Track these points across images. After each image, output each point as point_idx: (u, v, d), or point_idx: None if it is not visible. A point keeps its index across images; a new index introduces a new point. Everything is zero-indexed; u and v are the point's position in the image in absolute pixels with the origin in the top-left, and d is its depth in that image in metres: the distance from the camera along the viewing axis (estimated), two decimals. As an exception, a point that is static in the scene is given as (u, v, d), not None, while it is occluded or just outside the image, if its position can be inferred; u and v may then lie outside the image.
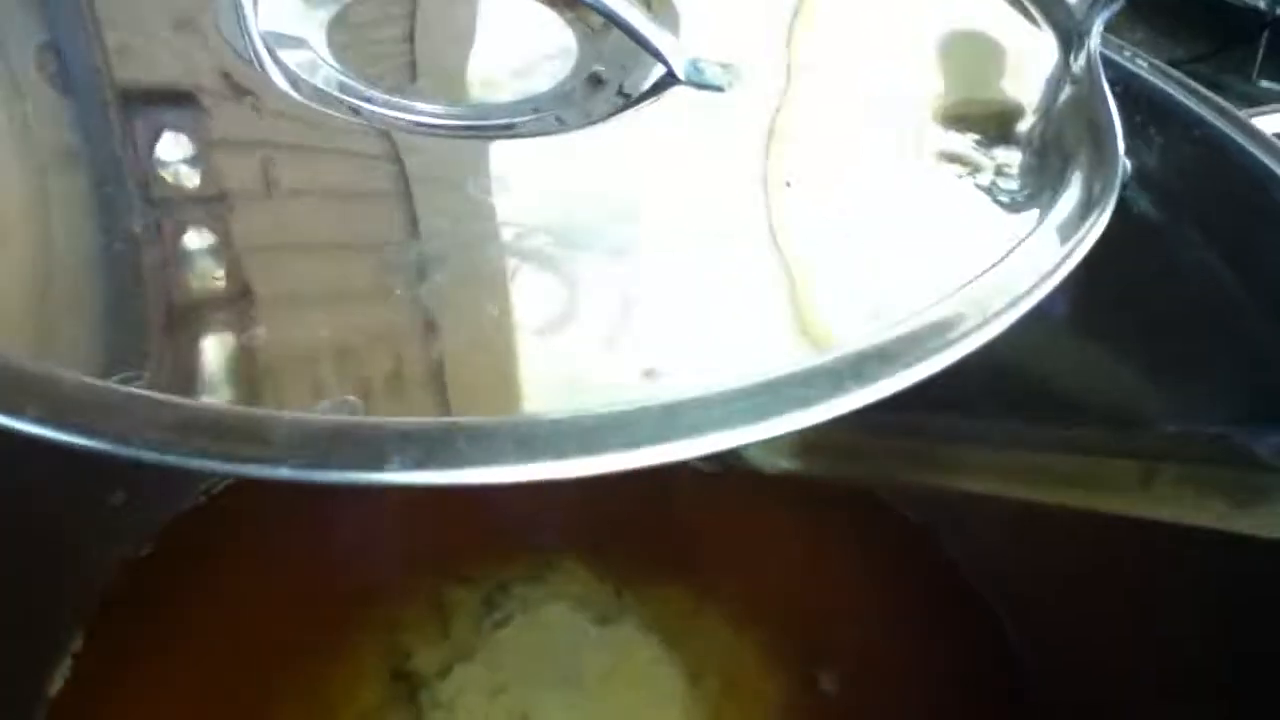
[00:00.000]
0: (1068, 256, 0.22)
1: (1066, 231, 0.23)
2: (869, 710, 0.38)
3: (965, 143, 0.28)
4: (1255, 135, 0.31)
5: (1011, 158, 0.27)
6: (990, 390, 0.34)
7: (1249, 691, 0.26)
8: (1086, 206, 0.24)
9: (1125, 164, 0.34)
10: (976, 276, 0.22)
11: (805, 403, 0.19)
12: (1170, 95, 0.32)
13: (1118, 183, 0.24)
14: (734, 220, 0.25)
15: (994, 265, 0.22)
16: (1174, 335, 0.31)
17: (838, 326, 0.22)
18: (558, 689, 0.37)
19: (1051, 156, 0.27)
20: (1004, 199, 0.26)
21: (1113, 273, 0.33)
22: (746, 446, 0.42)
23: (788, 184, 0.26)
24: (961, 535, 0.41)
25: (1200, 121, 0.32)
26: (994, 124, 0.29)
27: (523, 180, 0.24)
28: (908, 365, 0.20)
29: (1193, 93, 0.32)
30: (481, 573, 0.41)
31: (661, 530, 0.44)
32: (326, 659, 0.39)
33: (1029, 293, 0.21)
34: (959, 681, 0.38)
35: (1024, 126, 0.28)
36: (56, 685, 0.37)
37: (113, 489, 0.39)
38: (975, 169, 0.27)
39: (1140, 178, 0.33)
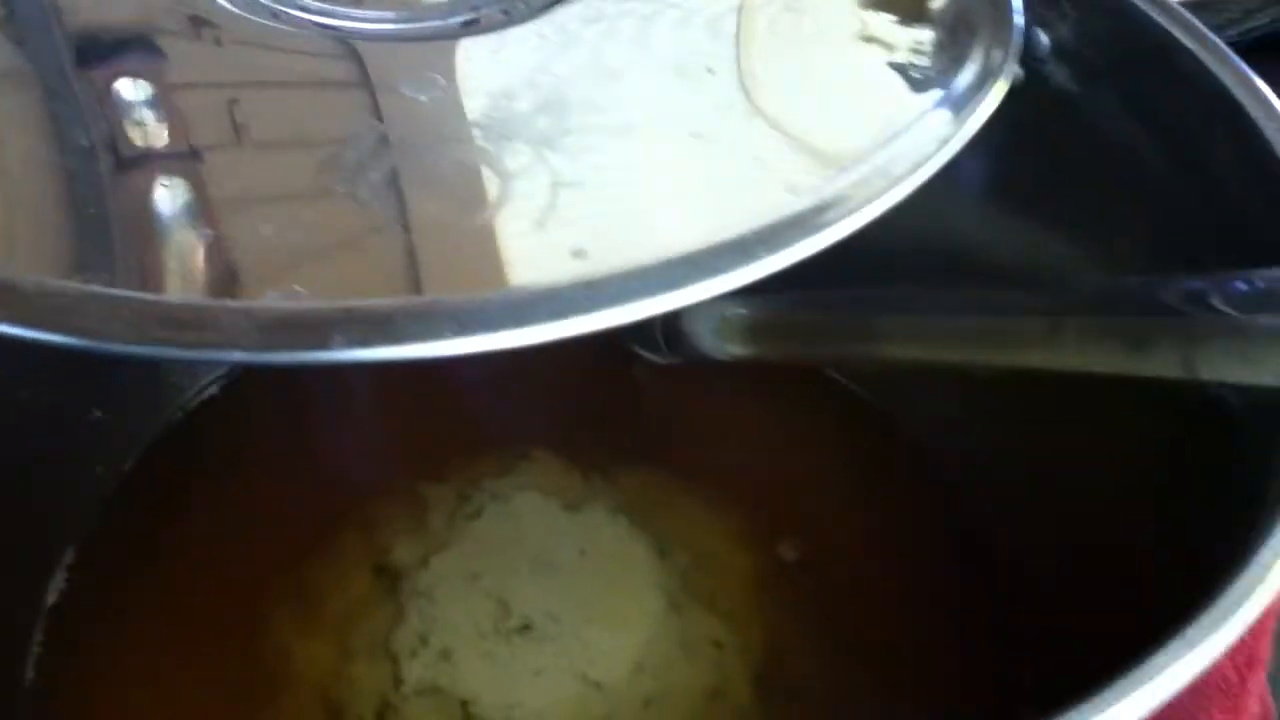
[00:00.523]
0: (964, 125, 0.24)
1: (965, 102, 0.25)
2: (830, 576, 0.40)
3: (882, 23, 0.29)
4: (1159, 3, 0.33)
5: (924, 36, 0.29)
6: (919, 263, 0.36)
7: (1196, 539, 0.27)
8: (985, 78, 0.25)
9: (1042, 38, 0.35)
10: (877, 148, 0.23)
11: (718, 271, 0.21)
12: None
13: (1013, 52, 0.25)
14: (659, 107, 0.26)
15: (895, 137, 0.24)
16: (1092, 200, 0.33)
17: (752, 201, 0.23)
18: (532, 571, 0.39)
19: (960, 32, 0.28)
20: (916, 75, 0.28)
21: (1034, 143, 0.35)
22: (700, 337, 0.44)
23: (709, 70, 0.27)
24: (916, 413, 0.43)
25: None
26: (909, 4, 0.30)
27: (458, 77, 0.25)
28: (813, 232, 0.22)
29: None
30: (455, 470, 0.43)
31: (627, 421, 0.46)
32: (313, 559, 0.41)
33: (927, 161, 0.23)
34: (915, 548, 0.40)
35: (936, 4, 0.30)
36: (52, 598, 0.39)
37: (90, 407, 0.40)
38: (891, 48, 0.29)
39: (1057, 50, 0.34)
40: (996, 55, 0.26)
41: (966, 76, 0.25)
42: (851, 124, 0.26)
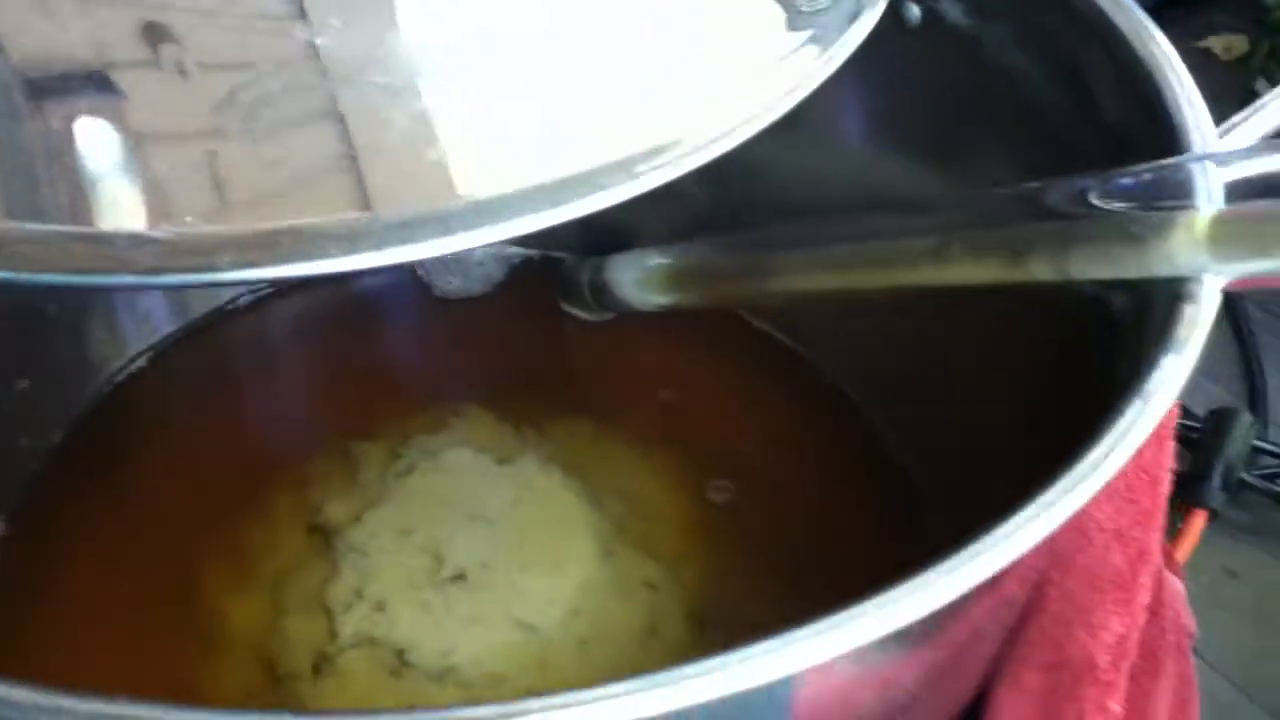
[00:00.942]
0: (830, 59, 0.24)
1: (834, 39, 0.25)
2: (758, 515, 0.41)
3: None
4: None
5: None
6: (827, 204, 0.37)
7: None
8: (855, 15, 0.26)
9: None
10: (748, 82, 0.24)
11: (591, 190, 0.21)
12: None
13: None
14: (539, 40, 0.26)
15: (765, 71, 0.24)
16: (983, 127, 0.34)
17: (627, 132, 0.24)
18: (465, 524, 0.40)
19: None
20: (805, 9, 0.28)
21: (925, 77, 0.36)
22: (623, 286, 0.45)
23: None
24: (829, 348, 0.44)
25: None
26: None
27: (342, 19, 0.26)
28: (680, 158, 0.22)
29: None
30: (387, 428, 0.43)
31: (558, 375, 0.47)
32: (247, 521, 0.41)
33: (791, 92, 0.23)
34: (834, 475, 0.41)
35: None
36: (-16, 568, 0.39)
37: (14, 379, 0.40)
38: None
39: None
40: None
41: (840, 17, 0.26)
42: (733, 64, 0.26)
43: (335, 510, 0.40)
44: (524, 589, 0.38)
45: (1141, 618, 0.25)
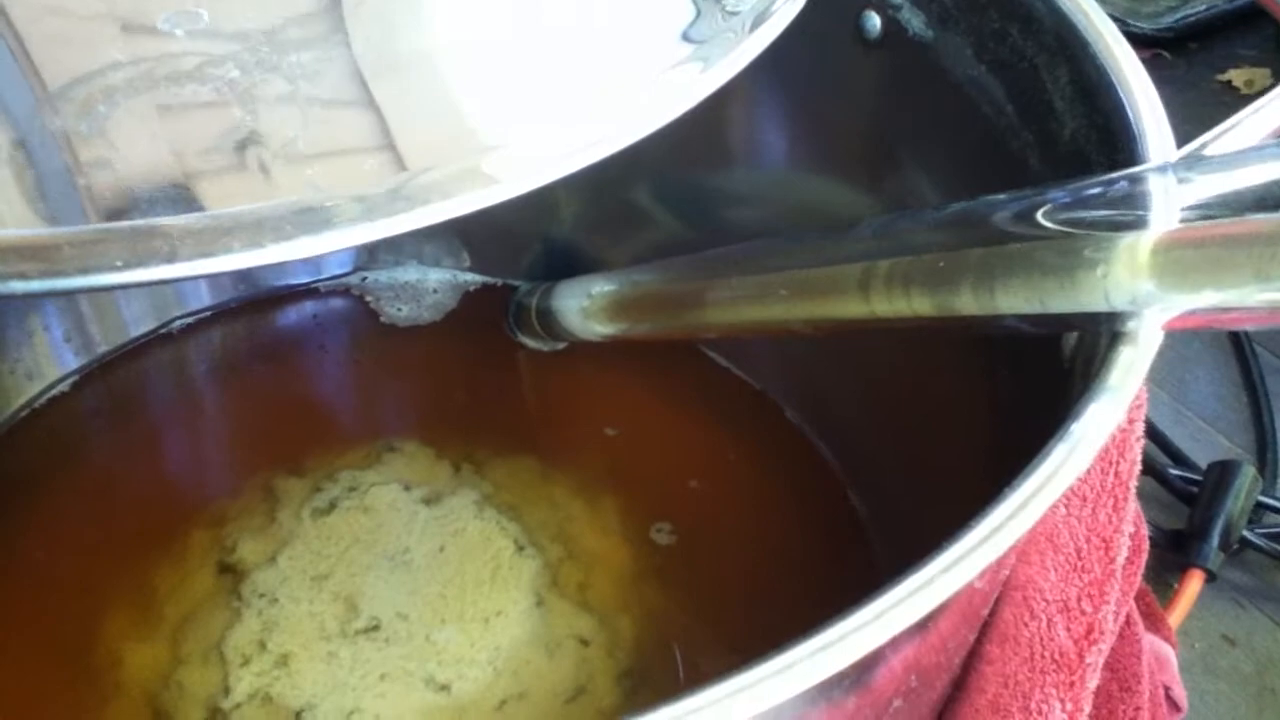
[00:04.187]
0: (737, 57, 0.21)
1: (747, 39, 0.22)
2: (700, 560, 0.38)
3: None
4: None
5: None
6: (765, 221, 0.34)
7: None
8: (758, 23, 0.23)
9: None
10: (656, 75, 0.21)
11: (443, 197, 0.19)
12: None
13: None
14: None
15: (673, 66, 0.21)
16: (934, 143, 0.31)
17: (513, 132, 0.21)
18: (384, 569, 0.37)
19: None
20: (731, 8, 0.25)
21: (874, 90, 0.33)
22: (566, 317, 0.42)
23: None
24: (783, 384, 0.41)
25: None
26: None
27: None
28: (563, 159, 0.20)
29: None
30: (316, 463, 0.41)
31: (504, 410, 0.44)
32: (158, 560, 0.38)
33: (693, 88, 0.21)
34: (784, 517, 0.38)
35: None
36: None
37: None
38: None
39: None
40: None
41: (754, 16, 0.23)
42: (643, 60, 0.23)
43: (248, 550, 0.38)
44: (440, 644, 0.35)
45: (1088, 704, 0.22)
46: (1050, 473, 0.17)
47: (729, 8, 0.25)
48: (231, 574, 0.37)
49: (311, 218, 0.18)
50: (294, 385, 0.43)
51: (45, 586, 0.37)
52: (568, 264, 0.45)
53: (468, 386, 0.44)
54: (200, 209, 0.18)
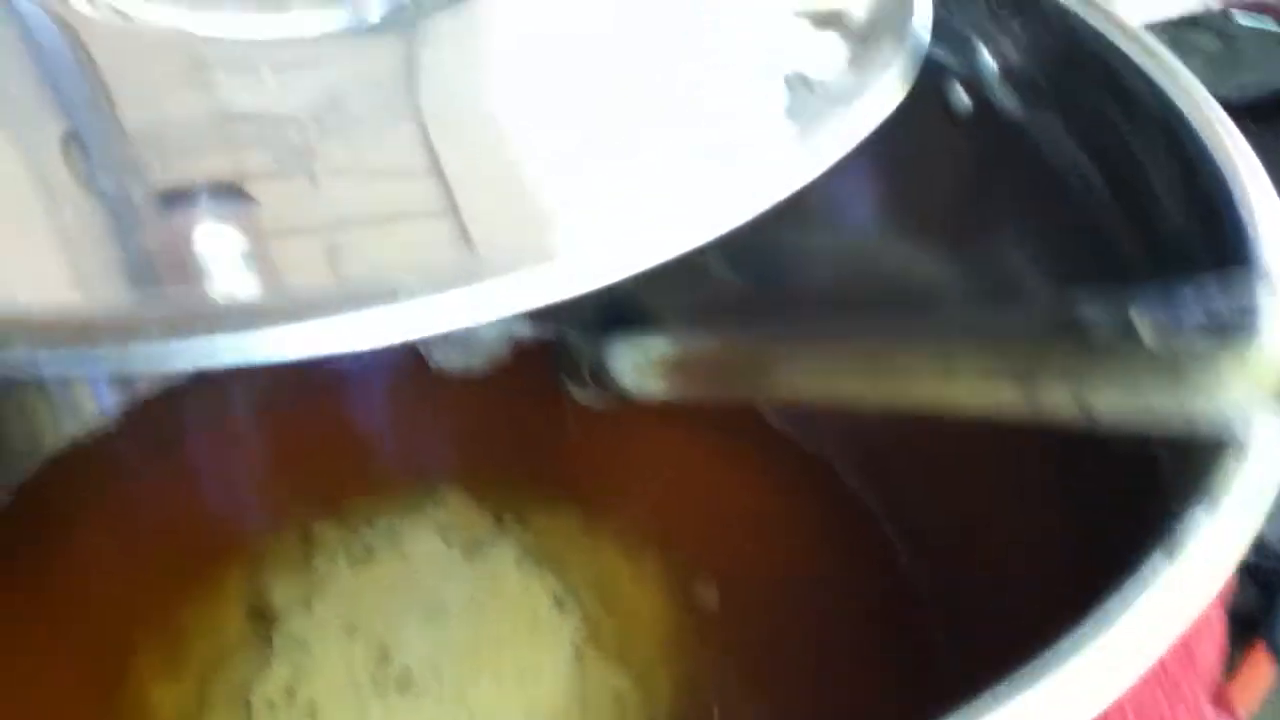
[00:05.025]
0: (845, 137, 0.21)
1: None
2: (746, 621, 0.37)
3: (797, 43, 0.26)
4: (1114, 21, 0.30)
5: (838, 52, 0.26)
6: (840, 291, 0.33)
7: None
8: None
9: (990, 64, 0.32)
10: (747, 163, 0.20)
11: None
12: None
13: (903, 65, 0.22)
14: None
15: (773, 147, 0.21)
16: (1021, 227, 0.30)
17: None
18: (419, 622, 0.36)
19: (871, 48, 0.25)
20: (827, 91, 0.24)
21: (978, 172, 0.32)
22: (621, 375, 0.41)
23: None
24: (842, 451, 0.39)
25: (1062, 12, 0.31)
26: (823, 22, 0.27)
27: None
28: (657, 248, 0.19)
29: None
30: (354, 507, 0.40)
31: (549, 461, 0.43)
32: (191, 600, 0.37)
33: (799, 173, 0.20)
34: (839, 589, 0.37)
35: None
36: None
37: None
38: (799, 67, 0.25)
39: (1006, 74, 0.32)
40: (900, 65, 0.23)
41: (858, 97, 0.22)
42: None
43: (281, 594, 0.37)
44: (473, 698, 0.34)
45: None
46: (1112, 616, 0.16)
47: (813, 83, 0.24)
48: (263, 618, 0.36)
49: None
50: (337, 428, 0.43)
51: (77, 622, 0.37)
52: (623, 314, 0.44)
53: (514, 436, 0.43)
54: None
